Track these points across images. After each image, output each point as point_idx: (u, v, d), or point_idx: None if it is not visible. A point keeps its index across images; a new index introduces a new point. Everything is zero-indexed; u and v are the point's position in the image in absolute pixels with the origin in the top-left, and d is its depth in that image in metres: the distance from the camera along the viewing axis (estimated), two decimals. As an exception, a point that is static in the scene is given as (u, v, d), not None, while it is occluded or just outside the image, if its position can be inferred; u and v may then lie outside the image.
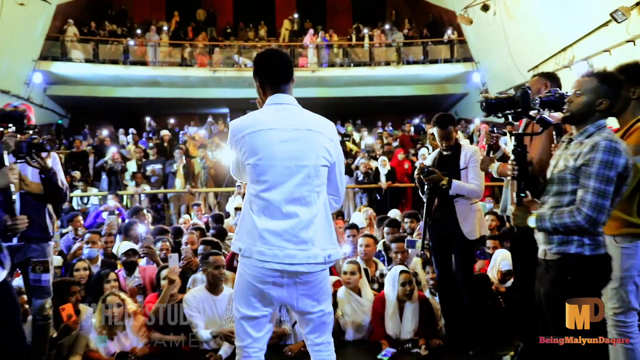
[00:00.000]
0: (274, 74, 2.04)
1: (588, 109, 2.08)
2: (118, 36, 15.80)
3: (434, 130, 3.51)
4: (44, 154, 2.84)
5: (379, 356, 3.40)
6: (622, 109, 2.45)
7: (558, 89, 2.38)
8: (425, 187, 3.42)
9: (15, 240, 2.81)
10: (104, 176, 8.75)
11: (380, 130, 13.62)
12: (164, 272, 3.68)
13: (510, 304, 3.70)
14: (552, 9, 9.55)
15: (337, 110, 15.93)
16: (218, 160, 9.38)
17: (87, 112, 16.56)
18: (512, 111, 2.27)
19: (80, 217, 6.42)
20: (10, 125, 2.73)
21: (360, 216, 6.64)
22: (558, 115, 2.38)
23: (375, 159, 9.48)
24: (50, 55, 14.05)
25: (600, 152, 1.96)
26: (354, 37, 16.56)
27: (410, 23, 17.44)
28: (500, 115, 2.40)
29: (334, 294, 3.80)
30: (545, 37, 10.19)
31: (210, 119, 14.68)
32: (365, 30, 16.52)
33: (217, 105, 17.12)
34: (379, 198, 8.86)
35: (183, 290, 3.83)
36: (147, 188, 8.60)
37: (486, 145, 2.94)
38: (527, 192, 2.22)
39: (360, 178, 8.93)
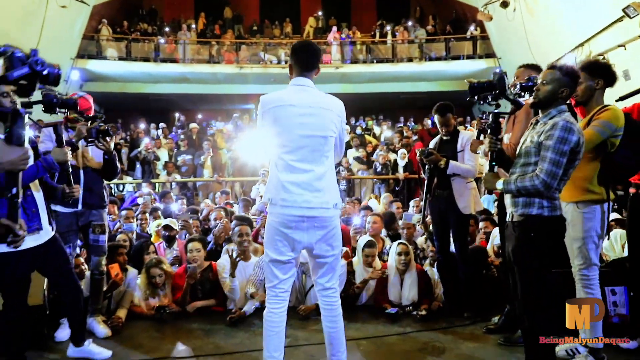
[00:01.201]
0: (301, 62, 2.52)
1: (552, 96, 2.47)
2: (149, 35, 16.52)
3: (434, 117, 3.92)
4: (108, 139, 3.40)
5: (387, 311, 3.86)
6: (588, 98, 2.85)
7: (537, 77, 2.75)
8: (426, 167, 3.84)
9: (80, 207, 3.39)
10: (137, 165, 9.38)
11: (401, 125, 13.93)
12: (190, 245, 4.20)
13: (502, 274, 4.07)
14: (569, 6, 9.73)
15: (360, 106, 16.28)
16: (244, 152, 9.92)
17: (119, 108, 17.36)
18: (491, 93, 2.64)
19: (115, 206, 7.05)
20: (65, 110, 3.11)
21: (374, 202, 7.13)
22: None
23: (394, 151, 9.85)
24: (87, 54, 14.85)
25: (558, 130, 2.35)
26: (377, 33, 16.85)
27: (434, 19, 17.60)
28: (481, 97, 2.79)
29: (350, 264, 4.26)
30: (563, 32, 10.36)
31: (236, 115, 15.25)
32: (388, 27, 16.80)
33: (243, 101, 17.67)
34: (396, 189, 9.24)
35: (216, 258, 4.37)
36: (177, 177, 9.21)
37: (476, 130, 3.33)
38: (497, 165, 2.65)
39: (379, 169, 9.33)
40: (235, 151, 9.86)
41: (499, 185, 2.54)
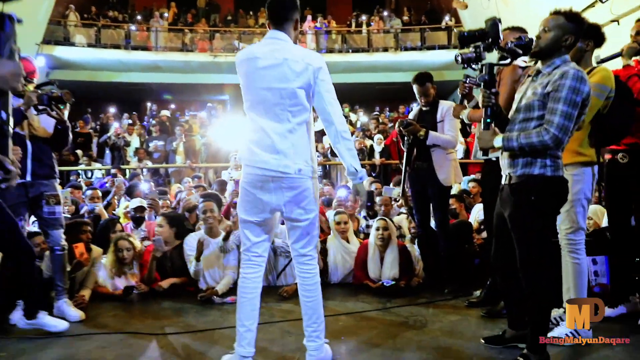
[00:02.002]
0: (272, 15, 2.40)
1: (555, 44, 2.27)
2: (119, 22, 16.02)
3: (414, 87, 3.80)
4: (61, 107, 3.15)
5: (383, 283, 3.76)
6: (578, 60, 2.73)
7: (527, 36, 2.61)
8: (405, 139, 3.72)
9: (29, 177, 3.11)
10: (107, 151, 9.04)
11: (377, 113, 13.88)
12: (158, 219, 4.01)
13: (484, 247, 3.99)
14: (543, -8, 9.77)
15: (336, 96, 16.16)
16: (218, 138, 9.68)
17: (89, 98, 16.77)
18: (484, 43, 2.38)
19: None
20: None
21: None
22: (526, 59, 2.65)
23: (370, 137, 9.76)
24: (53, 40, 14.28)
25: (569, 79, 2.15)
26: (353, 23, 16.76)
27: (409, 11, 17.62)
28: (465, 60, 2.66)
29: (324, 241, 4.12)
30: (538, 20, 10.41)
31: (209, 104, 14.93)
32: (364, 17, 16.73)
33: (217, 91, 17.32)
34: (373, 175, 9.15)
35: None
36: (149, 163, 8.91)
37: (460, 94, 3.22)
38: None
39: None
40: (209, 137, 9.60)
41: (498, 142, 2.31)
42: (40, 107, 3.03)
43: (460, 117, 3.24)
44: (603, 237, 3.35)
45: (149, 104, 15.39)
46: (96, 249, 3.77)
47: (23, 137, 3.11)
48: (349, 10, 18.66)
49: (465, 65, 2.89)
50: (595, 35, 2.78)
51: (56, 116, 3.12)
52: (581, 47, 2.73)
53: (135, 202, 4.72)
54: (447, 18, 15.62)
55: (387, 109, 15.56)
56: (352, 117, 13.26)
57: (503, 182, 2.43)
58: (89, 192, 4.87)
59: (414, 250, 4.09)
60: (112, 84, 16.13)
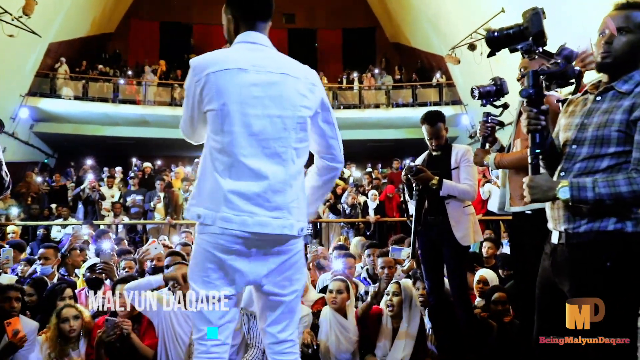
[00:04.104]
0: (249, 8, 1.74)
1: (636, 51, 1.67)
2: (109, 77, 15.85)
3: (423, 128, 3.27)
4: None
5: None
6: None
7: (559, 60, 2.07)
8: (414, 188, 3.14)
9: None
10: (80, 205, 8.37)
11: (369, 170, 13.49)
12: (118, 287, 3.21)
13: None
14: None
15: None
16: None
17: (73, 151, 16.30)
18: (523, 45, 1.78)
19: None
20: None
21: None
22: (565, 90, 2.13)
23: (364, 193, 9.25)
24: (39, 92, 13.97)
25: None
26: (344, 80, 16.79)
27: (400, 70, 17.76)
28: (483, 94, 2.17)
29: (316, 314, 3.42)
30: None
31: (197, 160, 14.45)
32: (355, 74, 16.79)
33: (206, 147, 16.96)
34: (367, 233, 8.55)
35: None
36: (125, 219, 8.23)
37: (480, 137, 2.70)
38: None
39: (347, 211, 8.65)
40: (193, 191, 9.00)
41: (564, 194, 1.62)
42: None
43: (485, 163, 2.65)
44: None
45: (133, 160, 14.87)
46: (28, 322, 2.97)
47: None
48: (340, 67, 18.84)
49: (485, 102, 2.42)
50: None
51: None
52: None
53: (90, 261, 3.96)
54: (437, 75, 15.68)
55: (380, 165, 15.22)
56: (345, 172, 12.81)
57: (554, 241, 1.78)
58: (40, 251, 4.06)
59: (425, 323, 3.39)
60: (97, 137, 15.73)
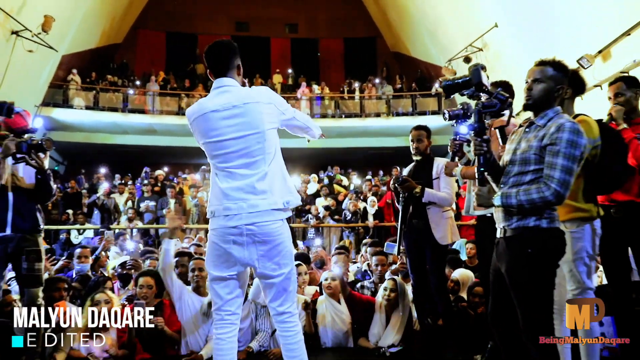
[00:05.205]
0: (212, 66, 2.33)
1: (548, 95, 2.23)
2: (118, 87, 16.40)
3: (410, 135, 3.81)
4: (41, 155, 3.08)
5: (390, 350, 3.60)
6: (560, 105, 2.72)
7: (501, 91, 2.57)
8: (401, 195, 3.66)
9: (8, 231, 2.98)
10: (96, 212, 8.90)
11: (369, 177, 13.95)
12: (140, 280, 3.76)
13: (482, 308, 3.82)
14: (527, 62, 10.18)
15: (329, 160, 16.34)
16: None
17: (83, 160, 16.85)
18: (468, 90, 2.32)
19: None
20: None
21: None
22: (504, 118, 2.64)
23: (364, 200, 9.73)
24: (52, 102, 14.53)
25: (566, 132, 2.10)
26: (345, 89, 17.29)
27: (400, 79, 18.26)
28: (453, 116, 2.68)
29: (314, 302, 3.94)
30: (521, 87, 10.78)
31: (204, 167, 14.96)
32: (357, 84, 17.29)
33: (212, 154, 17.43)
34: (367, 237, 9.01)
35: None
36: (139, 224, 8.74)
37: (450, 152, 3.20)
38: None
39: (349, 217, 9.13)
40: (201, 198, 9.52)
41: (497, 201, 2.24)
42: (18, 156, 2.95)
43: (453, 174, 3.19)
44: (607, 295, 3.20)
45: (145, 169, 15.41)
46: (72, 307, 3.51)
47: (4, 189, 3.02)
48: (341, 76, 19.33)
49: (454, 123, 2.90)
50: (574, 82, 2.77)
51: (35, 164, 3.02)
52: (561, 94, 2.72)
53: (121, 259, 4.53)
54: (437, 85, 16.15)
55: (381, 172, 15.67)
56: (345, 180, 13.29)
57: (498, 235, 2.34)
58: (77, 251, 4.64)
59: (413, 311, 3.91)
60: (107, 146, 16.26)
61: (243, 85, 2.37)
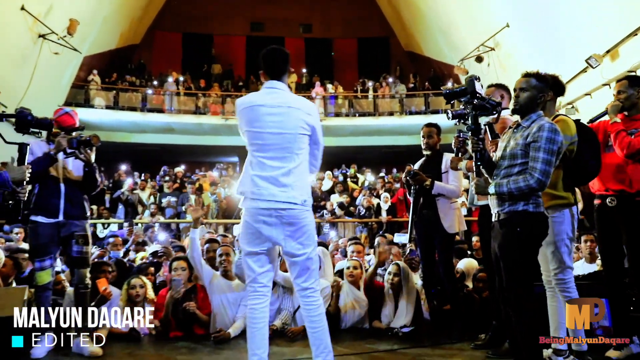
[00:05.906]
0: (269, 68, 2.66)
1: (531, 102, 2.67)
2: (137, 87, 16.86)
3: (421, 131, 4.12)
4: (88, 150, 3.43)
5: (403, 330, 3.90)
6: (542, 109, 3.03)
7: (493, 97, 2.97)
8: (412, 188, 3.96)
9: (61, 217, 3.35)
10: (120, 207, 9.31)
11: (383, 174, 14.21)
12: (174, 263, 4.14)
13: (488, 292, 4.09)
14: (538, 61, 10.36)
15: (342, 159, 16.62)
16: (228, 195, 9.97)
17: (104, 157, 17.25)
18: (464, 98, 2.75)
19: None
20: (39, 131, 3.00)
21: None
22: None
23: (377, 196, 10.01)
24: (74, 102, 15.00)
25: (545, 131, 2.53)
26: (359, 89, 17.54)
27: (414, 78, 18.45)
28: (456, 116, 2.97)
29: (337, 287, 4.27)
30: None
31: (220, 165, 15.35)
32: (370, 83, 17.53)
33: (228, 153, 17.83)
34: (380, 232, 9.29)
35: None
36: (161, 218, 9.14)
37: (455, 148, 3.48)
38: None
39: (362, 212, 9.43)
40: (219, 194, 9.89)
41: (491, 189, 2.64)
42: (69, 151, 3.31)
43: (459, 168, 3.48)
44: (602, 280, 3.47)
45: (164, 167, 15.86)
46: (114, 289, 3.90)
47: (57, 180, 3.38)
48: (355, 75, 19.54)
49: (457, 121, 3.20)
50: (555, 86, 3.07)
51: (84, 158, 3.39)
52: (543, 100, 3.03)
53: (153, 248, 4.92)
54: (449, 84, 16.31)
55: (395, 170, 15.90)
56: (360, 177, 13.56)
57: (493, 219, 2.73)
58: (111, 240, 5.09)
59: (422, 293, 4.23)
60: (126, 144, 16.70)
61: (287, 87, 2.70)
